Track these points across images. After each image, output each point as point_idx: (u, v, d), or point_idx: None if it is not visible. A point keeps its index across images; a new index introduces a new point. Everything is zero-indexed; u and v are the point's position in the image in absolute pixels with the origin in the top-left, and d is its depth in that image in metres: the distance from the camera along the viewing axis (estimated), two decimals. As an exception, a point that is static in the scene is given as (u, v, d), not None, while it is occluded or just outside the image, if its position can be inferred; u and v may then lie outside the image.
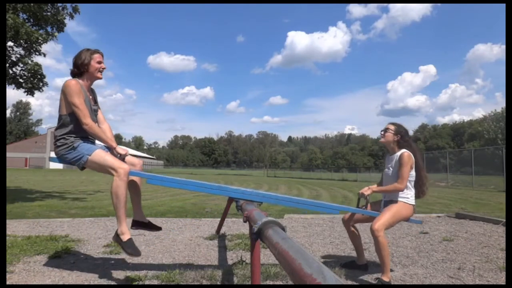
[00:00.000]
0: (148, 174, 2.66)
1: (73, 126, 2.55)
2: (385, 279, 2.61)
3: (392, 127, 3.02)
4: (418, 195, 3.00)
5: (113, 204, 2.48)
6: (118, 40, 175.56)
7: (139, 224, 2.76)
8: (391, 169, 2.97)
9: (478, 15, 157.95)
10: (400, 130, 3.00)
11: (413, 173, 2.92)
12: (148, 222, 2.79)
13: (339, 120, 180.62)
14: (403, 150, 2.91)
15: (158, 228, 2.81)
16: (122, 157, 2.65)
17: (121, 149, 2.67)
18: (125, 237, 2.46)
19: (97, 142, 2.75)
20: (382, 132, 3.06)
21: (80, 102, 2.51)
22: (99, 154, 2.51)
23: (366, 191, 2.96)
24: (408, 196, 2.90)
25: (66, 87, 2.51)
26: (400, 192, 2.89)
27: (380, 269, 2.75)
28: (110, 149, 2.66)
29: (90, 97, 2.69)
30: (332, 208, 2.90)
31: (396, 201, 2.88)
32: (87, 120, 2.51)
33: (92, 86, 2.77)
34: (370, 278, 2.83)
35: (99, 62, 2.66)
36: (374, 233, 2.67)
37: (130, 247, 2.44)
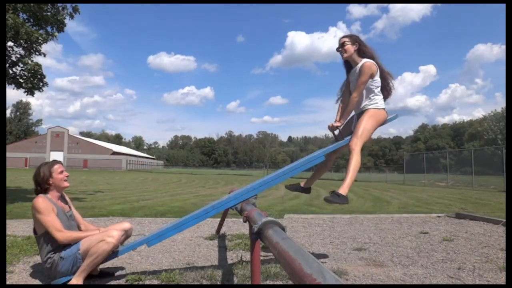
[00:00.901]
0: (143, 240, 2.61)
1: (52, 243, 2.50)
2: (342, 191, 2.63)
3: (346, 38, 3.00)
4: (386, 96, 3.04)
5: (90, 257, 2.43)
6: (118, 40, 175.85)
7: (99, 275, 2.74)
8: (356, 82, 2.95)
9: (478, 15, 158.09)
10: (355, 38, 2.99)
11: (377, 78, 2.94)
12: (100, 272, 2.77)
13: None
14: (364, 60, 2.91)
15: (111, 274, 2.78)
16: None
17: (106, 229, 2.67)
18: (78, 282, 2.42)
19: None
20: (341, 49, 3.01)
21: (49, 219, 2.45)
22: (85, 241, 2.48)
23: (336, 123, 2.99)
24: (376, 101, 2.93)
25: (33, 207, 2.47)
26: (367, 101, 2.93)
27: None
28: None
29: (62, 205, 2.67)
30: (318, 157, 2.89)
31: (366, 110, 2.92)
32: (60, 233, 2.45)
33: (62, 192, 2.75)
34: (370, 277, 2.83)
35: (61, 172, 2.64)
36: (350, 150, 2.73)
37: None
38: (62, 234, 2.46)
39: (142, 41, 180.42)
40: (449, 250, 3.76)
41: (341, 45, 3.00)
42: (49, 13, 8.46)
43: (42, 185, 2.58)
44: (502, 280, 2.74)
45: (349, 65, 3.11)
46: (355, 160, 2.71)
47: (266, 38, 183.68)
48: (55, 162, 2.68)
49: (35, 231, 2.55)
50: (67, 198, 2.81)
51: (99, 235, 2.50)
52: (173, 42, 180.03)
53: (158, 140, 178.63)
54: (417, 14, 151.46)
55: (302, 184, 3.28)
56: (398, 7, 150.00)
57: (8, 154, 47.73)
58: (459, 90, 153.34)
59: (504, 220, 5.23)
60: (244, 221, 1.99)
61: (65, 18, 8.74)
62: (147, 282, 2.60)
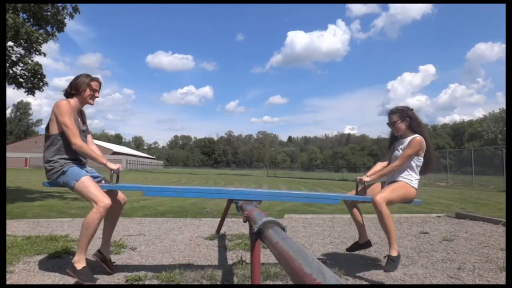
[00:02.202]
0: (146, 186, 2.70)
1: (62, 147, 2.56)
2: (393, 253, 2.62)
3: (395, 117, 2.99)
4: (424, 172, 3.03)
5: (81, 234, 2.48)
6: (116, 39, 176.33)
7: (101, 258, 2.75)
8: (401, 151, 2.96)
9: (479, 14, 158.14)
10: (404, 113, 2.97)
11: (421, 158, 2.93)
12: (109, 260, 2.80)
13: (339, 120, 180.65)
14: (416, 135, 2.91)
15: (110, 273, 2.76)
16: (115, 172, 2.70)
17: (112, 165, 2.69)
18: (79, 265, 2.46)
19: (87, 168, 2.78)
20: (392, 127, 3.03)
21: (71, 122, 2.53)
22: (85, 183, 2.52)
23: (365, 178, 2.98)
24: (411, 178, 2.92)
25: (58, 107, 2.53)
26: (404, 174, 2.91)
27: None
28: (99, 178, 2.74)
29: (79, 119, 2.72)
30: (332, 199, 2.89)
31: (399, 181, 2.91)
32: (76, 140, 2.53)
33: (83, 109, 2.82)
34: (370, 277, 2.83)
35: (95, 91, 2.70)
36: (376, 205, 2.70)
37: (84, 274, 2.44)
38: (77, 140, 2.54)
39: (141, 40, 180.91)
40: (449, 250, 3.76)
41: (392, 123, 3.01)
42: (49, 13, 8.46)
43: (75, 89, 2.65)
44: (502, 280, 2.74)
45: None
46: (385, 214, 2.67)
47: (265, 37, 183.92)
48: (96, 79, 2.73)
49: (47, 129, 2.60)
50: (85, 116, 2.87)
51: (92, 194, 2.50)
52: (171, 41, 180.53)
53: (158, 140, 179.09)
54: (418, 12, 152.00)
55: (359, 242, 3.19)
56: (399, 5, 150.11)
57: (8, 154, 47.73)
58: (460, 90, 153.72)
59: (504, 220, 5.23)
60: (244, 221, 1.99)
61: (65, 18, 8.74)
62: (147, 282, 2.60)
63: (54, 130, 2.57)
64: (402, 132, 3.01)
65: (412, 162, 2.93)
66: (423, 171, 3.03)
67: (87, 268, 2.49)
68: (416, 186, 2.94)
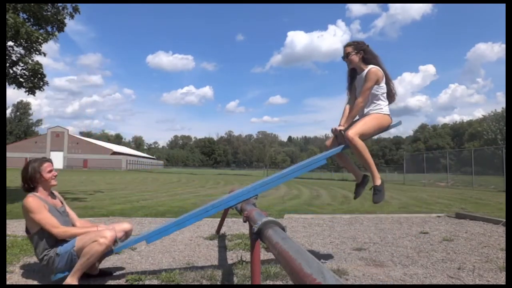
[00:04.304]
0: (143, 237, 2.61)
1: (47, 241, 2.50)
2: (377, 182, 2.65)
3: (350, 48, 2.98)
4: (390, 101, 3.04)
5: (81, 258, 2.42)
6: (116, 39, 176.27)
7: (99, 274, 2.74)
8: (361, 88, 2.96)
9: (479, 14, 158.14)
10: (359, 46, 2.97)
11: (383, 85, 2.93)
12: (99, 271, 2.77)
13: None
14: (370, 66, 2.91)
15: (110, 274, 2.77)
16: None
17: (104, 227, 2.65)
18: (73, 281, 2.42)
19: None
20: (346, 59, 3.02)
21: (44, 216, 2.45)
22: (79, 239, 2.47)
23: (339, 127, 2.97)
24: (380, 107, 2.93)
25: (26, 207, 2.45)
26: (371, 106, 2.93)
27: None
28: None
29: (55, 203, 2.66)
30: (319, 160, 2.88)
31: (370, 114, 2.92)
32: (57, 229, 2.47)
33: (52, 190, 2.74)
34: (370, 277, 2.83)
35: (50, 171, 2.62)
36: (349, 140, 2.70)
37: None
38: (59, 229, 2.46)
39: (141, 40, 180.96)
40: (449, 250, 3.76)
41: (346, 55, 3.00)
42: (49, 13, 8.47)
43: (30, 182, 2.56)
44: (502, 280, 2.74)
45: (354, 70, 3.10)
46: (361, 147, 2.67)
47: (265, 37, 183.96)
48: (44, 160, 2.65)
49: (27, 231, 2.54)
50: (57, 195, 2.80)
51: (93, 234, 2.47)
52: (171, 41, 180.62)
53: (158, 140, 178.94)
54: (418, 12, 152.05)
55: (357, 182, 3.19)
56: (399, 5, 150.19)
57: (8, 154, 47.71)
58: (460, 90, 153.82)
59: (504, 220, 5.23)
60: (244, 221, 1.99)
61: (65, 18, 8.75)
62: (147, 282, 2.60)
63: (34, 228, 2.50)
64: (355, 64, 2.98)
65: (375, 92, 2.93)
66: (388, 101, 3.02)
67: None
68: (387, 112, 2.94)
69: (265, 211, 2.00)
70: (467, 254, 3.59)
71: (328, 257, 3.50)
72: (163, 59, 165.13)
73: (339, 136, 3.01)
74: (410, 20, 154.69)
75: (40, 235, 2.48)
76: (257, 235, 1.52)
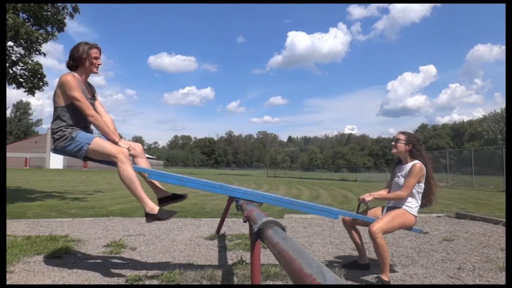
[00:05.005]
0: (150, 170, 2.71)
1: (70, 118, 2.55)
2: (385, 278, 2.61)
3: (402, 136, 3.02)
4: (425, 204, 3.01)
5: (129, 189, 2.53)
6: (119, 41, 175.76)
7: (164, 200, 2.79)
8: (401, 178, 2.97)
9: (478, 16, 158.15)
10: (411, 139, 3.00)
11: (422, 185, 2.93)
12: (172, 194, 2.82)
13: (339, 120, 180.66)
14: (416, 161, 2.92)
15: (183, 196, 2.82)
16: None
17: (123, 143, 2.67)
18: (155, 211, 2.51)
19: (94, 131, 2.76)
20: (393, 143, 3.07)
21: (81, 95, 2.52)
22: (98, 142, 2.52)
23: (367, 197, 2.96)
24: (411, 206, 2.90)
25: (65, 82, 2.50)
26: (405, 201, 2.90)
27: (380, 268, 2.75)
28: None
29: (87, 90, 2.70)
30: (332, 213, 2.88)
31: (398, 208, 2.89)
32: (91, 112, 2.54)
33: (88, 80, 2.78)
34: (371, 278, 2.83)
35: (96, 58, 2.67)
36: (371, 235, 2.67)
37: (164, 214, 2.51)
38: (94, 112, 2.54)
39: (143, 42, 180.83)
40: (449, 250, 3.76)
41: (396, 140, 3.04)
42: (49, 13, 8.46)
43: (76, 61, 2.62)
44: (502, 280, 2.74)
45: (399, 159, 3.12)
46: (380, 246, 2.65)
47: (266, 39, 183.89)
48: (95, 45, 2.70)
49: (54, 102, 2.59)
50: (93, 87, 2.84)
51: (110, 148, 2.49)
52: (174, 43, 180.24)
53: (158, 140, 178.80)
54: (417, 15, 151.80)
55: (360, 262, 3.15)
56: (398, 8, 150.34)
57: (8, 154, 47.70)
58: (459, 90, 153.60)
59: (504, 220, 5.23)
60: (244, 221, 1.99)
61: (65, 18, 8.73)
62: (147, 282, 2.60)
63: (61, 102, 2.55)
64: (400, 152, 3.02)
65: (413, 189, 2.93)
66: (424, 201, 2.99)
67: (162, 209, 2.56)
68: (415, 213, 2.92)
69: (265, 211, 2.00)
70: (467, 254, 3.59)
71: (328, 257, 3.50)
72: (165, 60, 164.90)
73: (361, 207, 3.04)
74: (409, 22, 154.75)
75: (64, 110, 2.55)
76: (257, 235, 1.52)
